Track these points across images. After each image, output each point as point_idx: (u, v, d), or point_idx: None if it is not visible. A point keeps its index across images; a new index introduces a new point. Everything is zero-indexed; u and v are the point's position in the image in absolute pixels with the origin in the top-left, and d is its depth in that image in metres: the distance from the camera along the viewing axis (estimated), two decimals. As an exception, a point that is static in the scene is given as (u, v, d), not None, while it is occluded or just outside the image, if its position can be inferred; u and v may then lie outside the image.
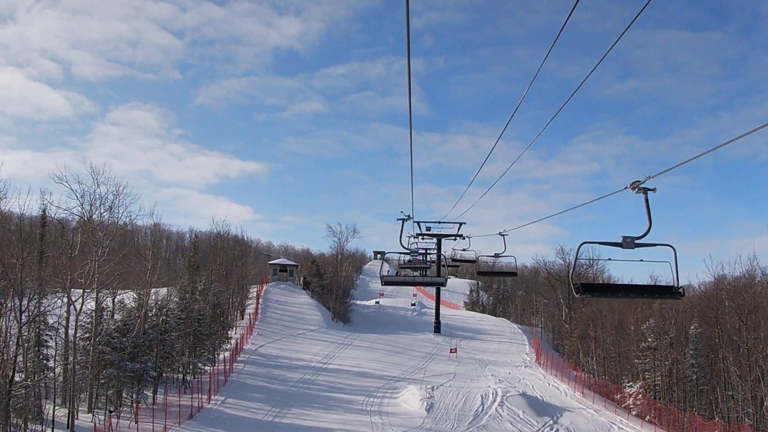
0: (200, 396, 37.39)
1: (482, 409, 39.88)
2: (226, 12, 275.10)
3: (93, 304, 35.53)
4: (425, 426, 36.47)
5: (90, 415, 33.19)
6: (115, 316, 39.56)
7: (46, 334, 32.84)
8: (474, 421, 37.88)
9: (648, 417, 43.56)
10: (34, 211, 39.85)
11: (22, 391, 28.02)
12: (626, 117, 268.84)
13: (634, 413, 45.02)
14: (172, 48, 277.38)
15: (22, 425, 28.21)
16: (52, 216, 35.26)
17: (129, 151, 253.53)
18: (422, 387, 43.85)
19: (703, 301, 51.56)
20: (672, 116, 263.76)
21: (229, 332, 62.73)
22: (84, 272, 32.67)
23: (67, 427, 30.13)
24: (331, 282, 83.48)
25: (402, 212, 23.19)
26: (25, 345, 31.52)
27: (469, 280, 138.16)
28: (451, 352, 62.89)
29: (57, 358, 34.15)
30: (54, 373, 33.54)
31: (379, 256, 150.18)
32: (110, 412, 30.96)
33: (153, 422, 31.08)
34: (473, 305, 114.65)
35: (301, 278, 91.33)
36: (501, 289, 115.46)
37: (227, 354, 52.04)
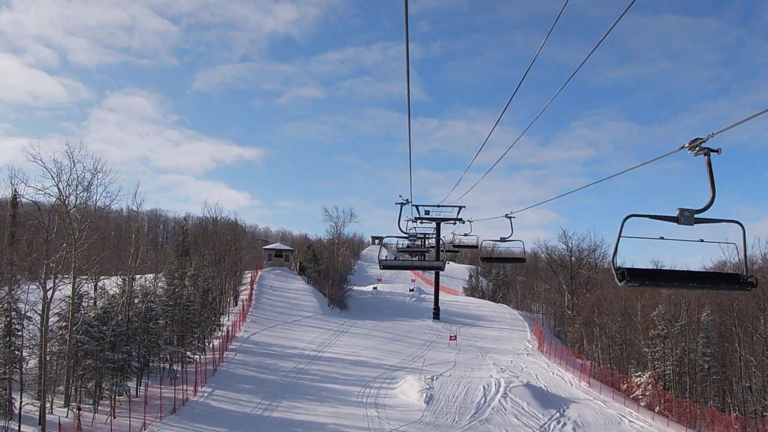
0: (185, 388, 35.20)
1: (485, 401, 37.75)
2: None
3: (70, 291, 33.30)
4: (424, 420, 34.35)
5: (66, 409, 31.01)
6: (98, 304, 37.28)
7: (19, 323, 30.56)
8: (476, 415, 35.77)
9: (658, 408, 41.55)
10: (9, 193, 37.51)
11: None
12: (623, 103, 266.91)
13: (642, 404, 43.00)
14: (168, 34, 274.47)
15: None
16: (28, 197, 32.77)
17: (126, 138, 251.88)
18: (421, 377, 41.69)
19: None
20: (670, 102, 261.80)
21: (222, 319, 60.61)
22: (59, 257, 30.36)
23: (39, 423, 27.95)
24: (327, 267, 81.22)
25: (400, 196, 22.85)
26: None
27: (468, 266, 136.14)
28: (450, 339, 60.87)
29: (29, 348, 31.86)
30: (26, 364, 31.26)
31: (377, 241, 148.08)
32: (78, 409, 28.74)
33: (130, 417, 28.88)
34: (473, 291, 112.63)
35: (297, 264, 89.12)
36: (501, 274, 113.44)
37: (219, 342, 49.98)
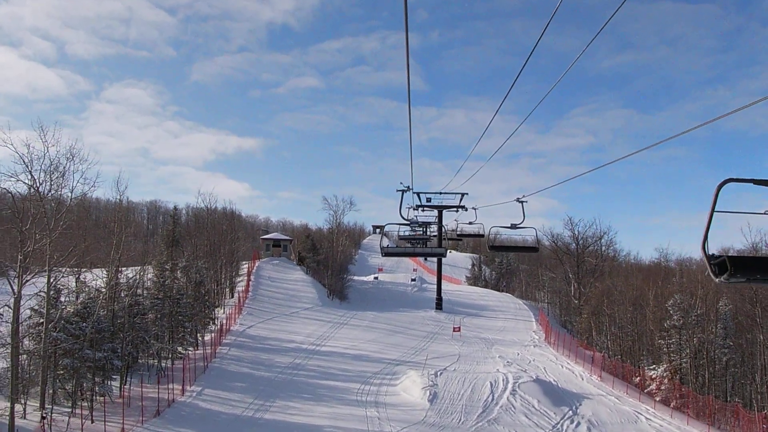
0: (171, 387, 32.92)
1: (492, 399, 35.41)
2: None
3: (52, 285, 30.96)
4: (428, 420, 32.02)
5: (40, 412, 28.68)
6: (80, 298, 34.92)
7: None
8: (483, 414, 33.43)
9: (674, 403, 39.29)
10: None
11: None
12: (622, 90, 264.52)
13: (658, 399, 40.74)
14: (166, 25, 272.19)
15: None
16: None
17: (125, 129, 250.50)
18: (424, 373, 39.32)
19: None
20: (669, 89, 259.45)
21: (217, 312, 58.34)
22: (30, 248, 27.97)
23: (9, 430, 25.66)
24: (326, 257, 78.74)
25: (402, 183, 23.17)
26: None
27: (470, 254, 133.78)
28: (454, 330, 58.62)
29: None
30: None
31: (378, 230, 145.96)
32: (42, 418, 26.40)
33: (105, 422, 26.63)
34: (475, 280, 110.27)
35: (296, 254, 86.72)
36: (504, 263, 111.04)
37: (213, 336, 47.77)
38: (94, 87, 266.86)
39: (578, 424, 33.28)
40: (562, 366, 47.35)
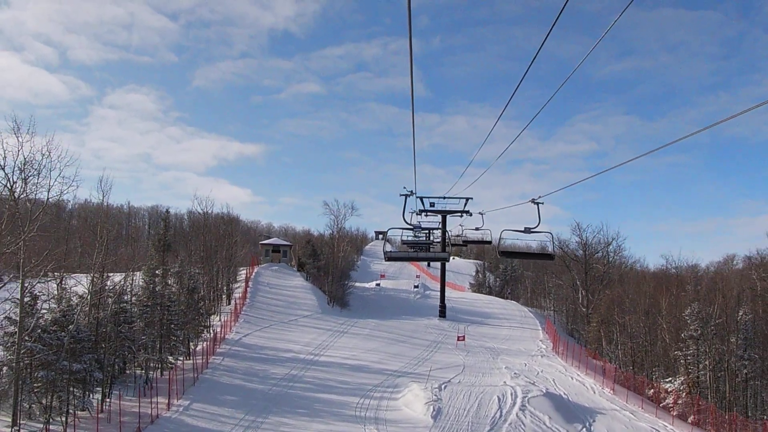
0: (156, 401, 30.70)
1: (500, 415, 33.03)
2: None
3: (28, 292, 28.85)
4: (432, 438, 29.76)
5: (10, 430, 26.52)
6: (59, 305, 32.73)
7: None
8: None
9: (692, 418, 36.99)
10: None
11: None
12: (624, 96, 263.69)
13: (674, 413, 38.43)
14: (167, 30, 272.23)
15: None
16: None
17: (127, 135, 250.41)
18: (427, 386, 37.01)
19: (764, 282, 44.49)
20: (670, 95, 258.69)
21: (212, 319, 56.18)
22: (4, 252, 25.92)
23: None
24: (327, 263, 76.43)
25: (405, 188, 22.59)
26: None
27: (474, 261, 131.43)
28: (458, 339, 56.41)
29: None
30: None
31: (381, 236, 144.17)
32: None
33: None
34: (479, 287, 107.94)
35: (296, 259, 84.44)
36: (509, 269, 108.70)
37: (206, 345, 45.60)
38: (96, 92, 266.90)
39: (593, 442, 30.99)
40: (572, 378, 45.07)
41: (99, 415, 29.81)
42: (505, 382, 40.34)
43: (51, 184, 27.47)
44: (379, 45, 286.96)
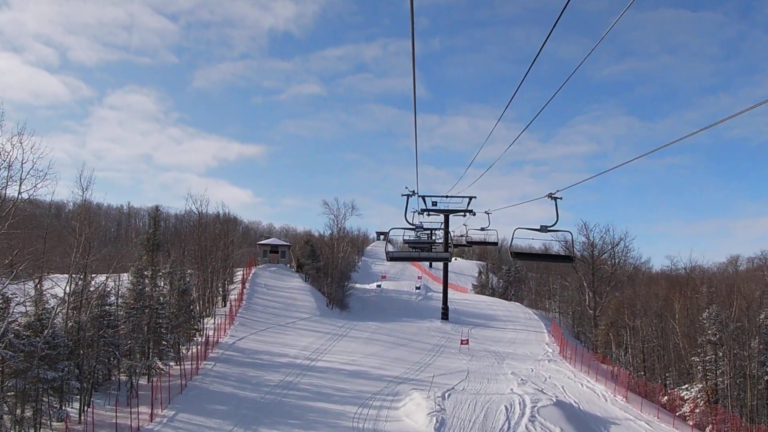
0: (139, 410, 28.52)
1: (509, 427, 30.71)
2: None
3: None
4: (435, 453, 27.56)
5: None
6: (38, 308, 30.58)
7: None
8: (499, 445, 28.94)
9: (709, 429, 34.81)
10: None
11: None
12: (625, 97, 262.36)
13: (691, 423, 36.24)
14: (167, 32, 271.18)
15: None
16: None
17: (128, 136, 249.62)
18: (430, 394, 34.75)
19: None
20: (671, 97, 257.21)
21: (206, 322, 54.04)
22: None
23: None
24: (326, 264, 74.14)
25: (407, 188, 22.40)
26: None
27: (477, 261, 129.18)
28: (461, 343, 54.13)
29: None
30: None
31: (382, 237, 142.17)
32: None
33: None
34: (482, 288, 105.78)
35: (295, 260, 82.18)
36: (512, 270, 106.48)
37: (198, 349, 43.47)
38: (97, 93, 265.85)
39: (609, 457, 28.80)
40: (581, 384, 42.85)
41: (77, 426, 27.67)
42: (512, 389, 38.12)
43: (23, 177, 25.39)
44: (379, 46, 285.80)
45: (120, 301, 39.08)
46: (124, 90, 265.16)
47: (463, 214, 57.75)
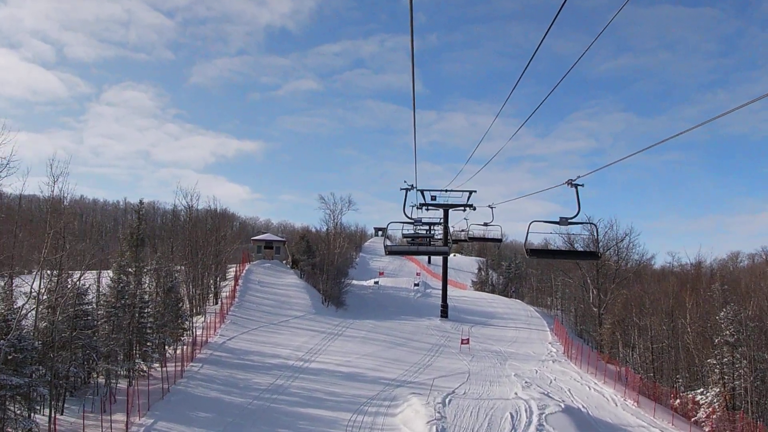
0: (109, 420, 26.24)
1: (514, 436, 28.57)
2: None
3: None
4: (435, 466, 25.30)
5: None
6: (2, 308, 28.26)
7: None
8: (504, 457, 26.68)
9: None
10: None
11: None
12: (622, 93, 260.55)
13: (707, 429, 34.04)
14: (164, 28, 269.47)
15: None
16: None
17: (125, 132, 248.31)
18: (429, 400, 32.41)
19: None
20: (668, 93, 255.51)
21: (195, 321, 51.75)
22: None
23: None
24: (323, 260, 71.80)
25: (405, 182, 22.59)
26: None
27: (476, 257, 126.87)
28: (462, 342, 51.92)
29: None
30: None
31: (380, 233, 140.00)
32: None
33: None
34: (482, 285, 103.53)
35: (290, 256, 79.89)
36: (512, 266, 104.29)
37: (184, 350, 41.23)
38: (94, 89, 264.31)
39: (623, 470, 26.57)
40: (588, 387, 40.63)
41: (44, 438, 25.41)
42: (516, 393, 35.84)
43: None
44: (377, 42, 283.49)
45: (102, 299, 36.77)
46: (121, 86, 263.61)
47: (463, 208, 55.55)
